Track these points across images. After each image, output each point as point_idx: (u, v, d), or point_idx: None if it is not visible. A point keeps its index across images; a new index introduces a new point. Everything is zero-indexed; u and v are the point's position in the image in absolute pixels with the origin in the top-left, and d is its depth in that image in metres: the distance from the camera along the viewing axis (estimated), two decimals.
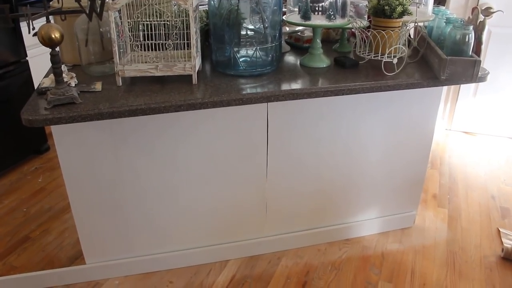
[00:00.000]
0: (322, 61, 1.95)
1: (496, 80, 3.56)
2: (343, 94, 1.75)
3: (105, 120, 1.67)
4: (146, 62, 1.75)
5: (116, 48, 1.66)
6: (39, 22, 1.62)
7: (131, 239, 2.12)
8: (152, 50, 1.77)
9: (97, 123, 1.80)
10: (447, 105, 3.81)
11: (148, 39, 1.76)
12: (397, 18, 1.82)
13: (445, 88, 3.63)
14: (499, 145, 3.65)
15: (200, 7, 1.93)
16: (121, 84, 1.74)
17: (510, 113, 3.67)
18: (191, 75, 1.75)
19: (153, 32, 1.74)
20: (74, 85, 1.70)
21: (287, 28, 2.23)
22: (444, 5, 3.55)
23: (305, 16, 1.87)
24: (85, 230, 2.05)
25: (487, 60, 3.50)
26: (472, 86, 3.65)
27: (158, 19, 1.73)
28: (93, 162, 1.88)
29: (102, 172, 1.92)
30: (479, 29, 1.87)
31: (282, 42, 2.09)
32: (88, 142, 1.84)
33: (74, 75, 1.74)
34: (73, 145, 1.83)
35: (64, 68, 1.73)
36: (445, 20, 1.95)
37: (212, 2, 1.80)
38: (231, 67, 1.84)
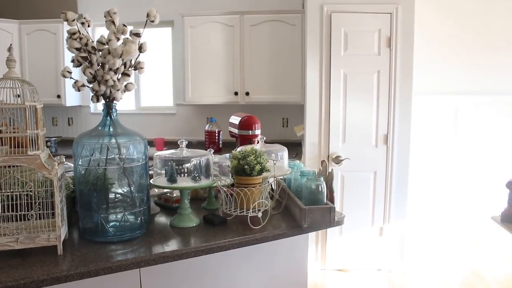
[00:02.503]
0: (191, 220, 2.01)
1: (355, 217, 3.90)
2: (213, 252, 1.79)
3: None
4: (5, 234, 1.65)
5: None
6: None
7: None
8: (13, 221, 1.69)
9: None
10: (318, 246, 4.02)
11: (9, 210, 1.68)
12: (257, 176, 1.99)
13: None
14: (370, 277, 3.87)
15: (66, 173, 1.92)
16: None
17: (371, 246, 3.98)
18: (56, 246, 1.67)
19: (15, 202, 1.68)
20: None
21: (156, 190, 2.29)
22: (300, 158, 3.95)
23: (171, 179, 1.96)
24: None
25: (346, 200, 3.86)
26: None
27: (21, 190, 1.69)
28: None
29: None
30: (329, 179, 2.11)
31: (151, 204, 2.13)
32: None
33: None
34: None
35: None
36: (299, 173, 2.17)
37: (78, 169, 1.82)
38: (99, 234, 1.80)
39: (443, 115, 4.43)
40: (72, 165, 1.93)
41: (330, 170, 2.15)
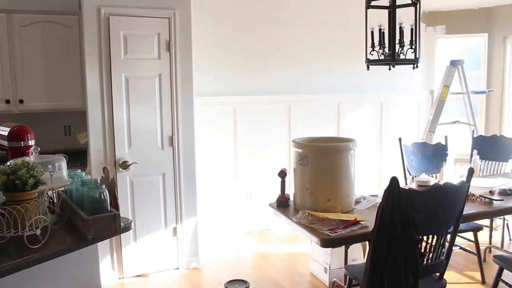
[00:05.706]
0: None
1: (148, 220, 3.92)
2: None
3: None
4: None
5: None
6: None
7: None
8: None
9: None
10: (113, 255, 3.91)
11: None
12: (31, 190, 1.84)
13: (107, 240, 3.75)
14: (170, 278, 3.94)
15: None
16: None
17: (167, 247, 4.05)
18: None
19: None
20: None
21: None
22: (86, 166, 3.79)
23: None
24: None
25: (137, 205, 3.84)
26: (130, 231, 3.89)
27: None
28: None
29: None
30: (112, 186, 2.08)
31: None
32: None
33: None
34: None
35: None
36: (80, 183, 2.09)
37: None
38: None
39: (223, 114, 4.75)
40: None
41: (112, 177, 2.11)
